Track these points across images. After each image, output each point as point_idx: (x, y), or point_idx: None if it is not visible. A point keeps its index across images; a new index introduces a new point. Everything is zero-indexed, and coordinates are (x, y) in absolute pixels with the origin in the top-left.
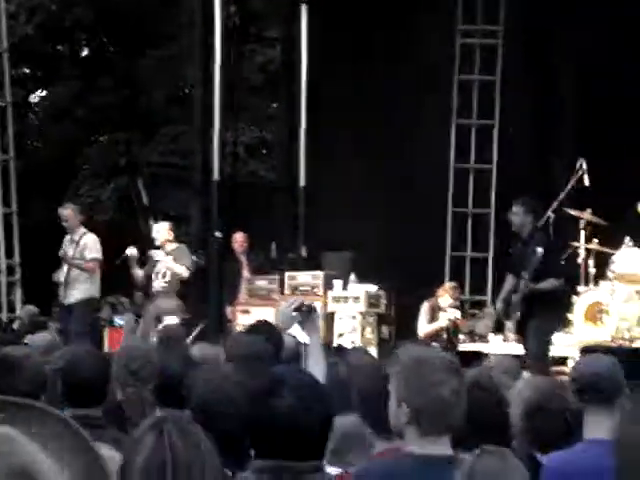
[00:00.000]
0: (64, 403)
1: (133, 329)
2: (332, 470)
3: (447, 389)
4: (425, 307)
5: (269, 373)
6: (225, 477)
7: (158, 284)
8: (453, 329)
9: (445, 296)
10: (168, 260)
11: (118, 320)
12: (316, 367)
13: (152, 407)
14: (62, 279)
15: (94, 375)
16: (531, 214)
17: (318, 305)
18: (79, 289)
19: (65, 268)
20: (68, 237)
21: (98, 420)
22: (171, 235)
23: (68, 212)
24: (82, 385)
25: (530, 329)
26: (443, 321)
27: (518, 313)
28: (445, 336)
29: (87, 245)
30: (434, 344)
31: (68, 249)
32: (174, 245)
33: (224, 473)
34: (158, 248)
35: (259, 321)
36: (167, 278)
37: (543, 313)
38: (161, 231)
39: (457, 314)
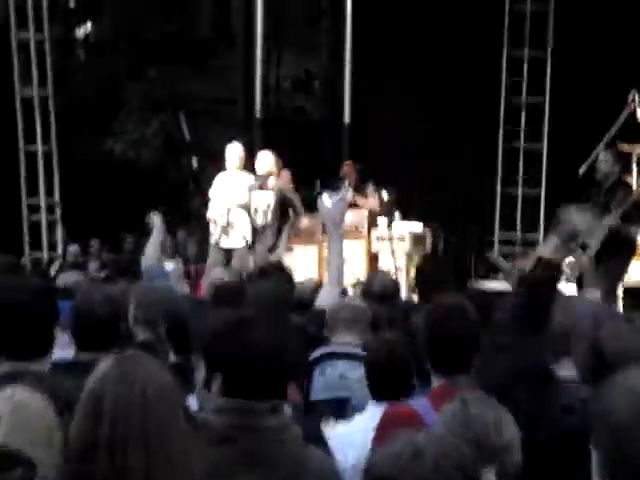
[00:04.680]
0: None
1: None
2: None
3: None
4: None
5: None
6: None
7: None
8: None
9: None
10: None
11: None
12: None
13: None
14: (223, 222)
15: (103, 318)
16: (619, 165)
17: (362, 244)
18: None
19: (226, 210)
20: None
21: None
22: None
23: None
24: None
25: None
26: None
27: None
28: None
29: None
30: None
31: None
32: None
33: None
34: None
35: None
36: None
37: (618, 257)
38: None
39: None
